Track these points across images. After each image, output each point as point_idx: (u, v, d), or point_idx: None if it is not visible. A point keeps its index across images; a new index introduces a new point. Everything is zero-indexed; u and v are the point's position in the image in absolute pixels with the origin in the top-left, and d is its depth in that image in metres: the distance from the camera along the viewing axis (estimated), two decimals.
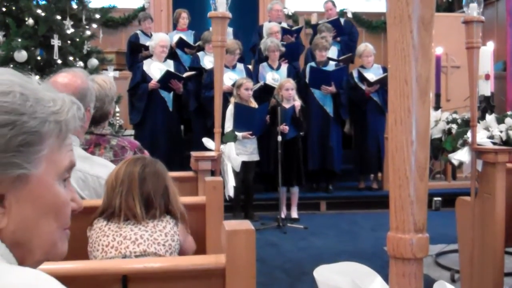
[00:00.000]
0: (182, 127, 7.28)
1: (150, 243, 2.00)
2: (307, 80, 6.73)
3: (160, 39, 6.58)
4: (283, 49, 6.81)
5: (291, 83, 6.17)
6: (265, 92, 6.48)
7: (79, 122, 0.93)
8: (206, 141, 3.43)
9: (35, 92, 0.86)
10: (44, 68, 5.35)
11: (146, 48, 6.85)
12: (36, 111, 0.85)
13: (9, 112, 0.82)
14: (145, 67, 6.57)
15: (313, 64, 6.82)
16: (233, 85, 6.20)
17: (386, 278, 0.96)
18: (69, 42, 5.60)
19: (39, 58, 5.46)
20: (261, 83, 6.59)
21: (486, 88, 4.33)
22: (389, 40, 0.91)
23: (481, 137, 3.61)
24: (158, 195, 2.08)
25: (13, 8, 5.46)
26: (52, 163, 0.87)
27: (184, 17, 7.61)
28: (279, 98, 6.04)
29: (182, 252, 2.18)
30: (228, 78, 6.31)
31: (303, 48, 7.68)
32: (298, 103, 6.12)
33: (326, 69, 6.72)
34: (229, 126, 5.87)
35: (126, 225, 2.03)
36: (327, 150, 6.72)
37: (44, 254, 0.89)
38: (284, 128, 5.97)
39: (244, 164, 5.19)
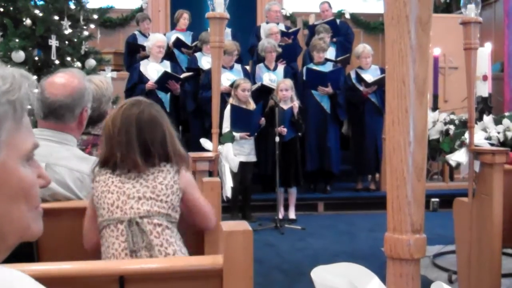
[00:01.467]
0: (179, 127, 7.27)
1: (153, 202, 2.04)
2: (304, 78, 6.71)
3: (156, 39, 6.56)
4: (279, 50, 6.80)
5: (285, 84, 6.13)
6: (262, 93, 6.47)
7: (33, 98, 0.86)
8: (204, 142, 3.44)
9: None
10: (41, 69, 5.34)
11: (144, 48, 6.83)
12: None
13: None
14: (141, 68, 6.55)
15: (310, 65, 6.81)
16: (231, 85, 6.20)
17: (383, 279, 0.96)
18: (66, 42, 5.59)
19: (36, 58, 5.46)
20: (258, 84, 6.58)
21: (483, 89, 4.34)
22: (386, 41, 0.91)
23: (479, 138, 3.62)
24: (156, 144, 2.09)
25: (11, 8, 5.45)
26: (13, 147, 0.81)
27: (186, 17, 7.61)
28: (277, 99, 6.02)
29: (196, 212, 2.17)
30: (226, 79, 6.30)
31: (301, 49, 7.67)
32: (296, 104, 6.11)
33: (323, 69, 6.71)
34: (226, 126, 5.85)
35: (128, 180, 2.06)
36: (325, 151, 6.70)
37: (18, 238, 0.85)
38: (282, 130, 5.97)
39: (242, 164, 5.19)
